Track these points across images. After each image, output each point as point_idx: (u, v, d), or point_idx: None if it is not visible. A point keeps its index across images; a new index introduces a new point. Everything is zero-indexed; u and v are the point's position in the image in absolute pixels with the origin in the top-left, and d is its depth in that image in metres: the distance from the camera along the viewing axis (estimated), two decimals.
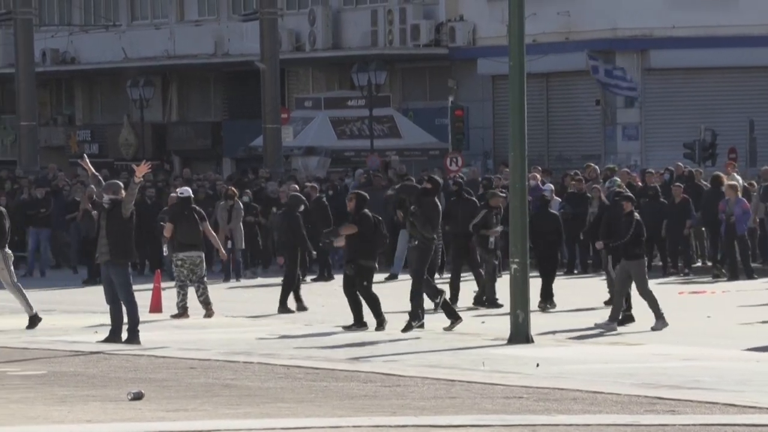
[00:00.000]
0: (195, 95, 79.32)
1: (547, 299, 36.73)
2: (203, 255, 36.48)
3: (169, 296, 36.35)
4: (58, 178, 58.60)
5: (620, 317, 32.03)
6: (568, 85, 65.85)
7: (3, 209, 35.23)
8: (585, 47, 64.85)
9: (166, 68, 78.58)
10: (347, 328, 31.47)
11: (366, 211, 32.69)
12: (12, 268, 33.38)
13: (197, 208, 37.40)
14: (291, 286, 36.95)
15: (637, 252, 32.31)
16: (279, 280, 44.45)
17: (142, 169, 29.19)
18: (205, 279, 35.90)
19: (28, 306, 32.51)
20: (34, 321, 32.28)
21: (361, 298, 31.77)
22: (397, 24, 71.51)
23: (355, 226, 33.32)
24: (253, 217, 49.52)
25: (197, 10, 79.45)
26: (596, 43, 65.08)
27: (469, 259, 38.31)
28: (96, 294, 34.66)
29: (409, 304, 31.02)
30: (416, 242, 31.45)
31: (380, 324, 31.83)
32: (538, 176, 46.68)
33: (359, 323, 31.72)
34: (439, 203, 32.05)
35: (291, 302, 36.65)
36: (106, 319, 29.59)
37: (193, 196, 37.83)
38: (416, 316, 30.36)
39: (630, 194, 35.32)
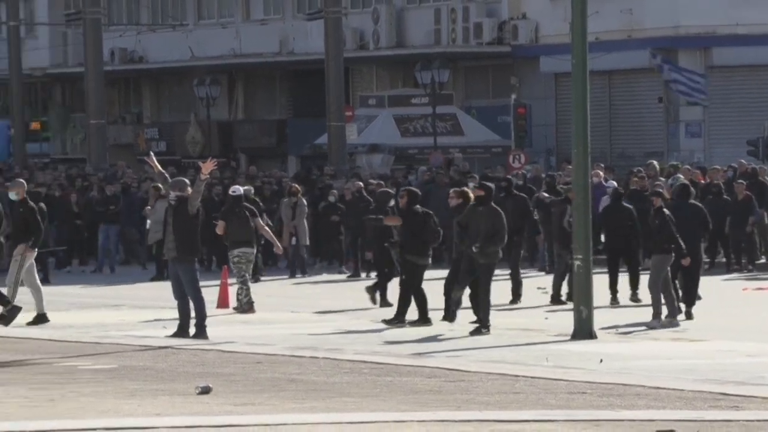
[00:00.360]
0: (260, 93, 79.47)
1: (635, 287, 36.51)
2: (255, 251, 36.62)
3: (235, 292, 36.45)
4: (126, 176, 58.72)
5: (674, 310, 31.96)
6: (630, 83, 65.75)
7: (43, 206, 35.20)
8: (648, 45, 64.73)
9: (232, 67, 78.77)
10: (412, 324, 31.48)
11: (417, 207, 32.69)
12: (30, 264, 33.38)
13: (248, 205, 37.58)
14: (387, 280, 36.52)
15: (665, 247, 32.22)
16: (343, 277, 44.70)
17: (208, 166, 29.21)
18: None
19: (40, 303, 32.60)
20: (41, 319, 32.31)
21: (417, 293, 31.87)
22: (460, 22, 71.50)
23: (399, 218, 33.45)
24: (338, 216, 49.45)
25: (263, 9, 79.60)
26: (659, 41, 64.92)
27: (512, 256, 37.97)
28: (164, 290, 34.73)
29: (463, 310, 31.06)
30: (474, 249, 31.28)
31: (423, 322, 31.87)
32: (601, 173, 46.48)
33: (424, 319, 31.72)
34: (499, 209, 31.77)
35: (360, 298, 36.64)
36: (174, 314, 29.70)
37: (243, 194, 37.88)
38: (486, 324, 30.15)
39: (660, 190, 35.18)
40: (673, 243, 32.04)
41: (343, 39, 68.56)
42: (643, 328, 30.42)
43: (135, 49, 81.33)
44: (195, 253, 29.49)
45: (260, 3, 79.61)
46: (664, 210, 32.78)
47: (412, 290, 31.92)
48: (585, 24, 29.08)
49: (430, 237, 32.55)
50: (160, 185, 46.48)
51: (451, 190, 34.90)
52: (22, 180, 37.47)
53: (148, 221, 47.59)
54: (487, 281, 30.48)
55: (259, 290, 41.53)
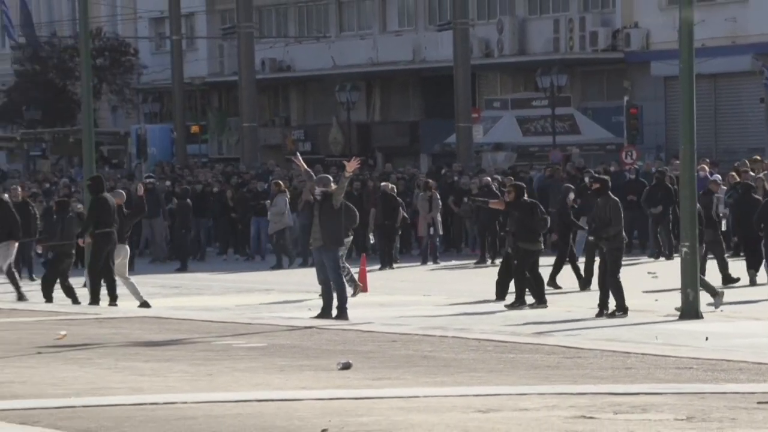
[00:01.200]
0: (395, 98, 79.54)
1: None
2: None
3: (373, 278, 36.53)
4: (275, 173, 58.92)
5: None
6: (734, 85, 65.30)
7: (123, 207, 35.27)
8: (750, 51, 64.28)
9: (370, 74, 78.88)
10: (531, 306, 31.43)
11: (524, 198, 32.67)
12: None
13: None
14: (562, 264, 36.45)
15: None
16: (469, 262, 44.56)
17: (352, 165, 29.44)
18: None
19: (138, 295, 32.68)
20: (144, 305, 32.29)
21: (533, 276, 31.88)
22: (577, 31, 71.31)
23: (503, 202, 33.56)
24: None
25: (397, 21, 79.69)
26: (761, 47, 64.46)
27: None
28: (308, 276, 34.86)
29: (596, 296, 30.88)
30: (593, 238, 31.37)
31: (540, 304, 31.73)
32: (707, 168, 46.30)
33: (540, 301, 31.68)
34: (617, 199, 31.52)
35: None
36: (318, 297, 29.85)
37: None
38: (622, 307, 29.83)
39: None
40: None
41: (470, 48, 68.64)
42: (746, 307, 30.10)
43: (283, 58, 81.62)
44: (339, 242, 29.67)
45: (395, 16, 79.74)
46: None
47: (531, 274, 31.89)
48: (692, 32, 28.97)
49: (538, 225, 32.50)
50: (279, 181, 46.93)
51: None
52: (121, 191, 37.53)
53: (269, 213, 47.84)
54: (613, 266, 30.28)
55: (394, 276, 41.70)
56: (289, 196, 47.42)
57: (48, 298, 34.10)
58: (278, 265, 46.86)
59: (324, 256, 29.44)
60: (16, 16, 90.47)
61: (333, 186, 30.16)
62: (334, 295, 29.16)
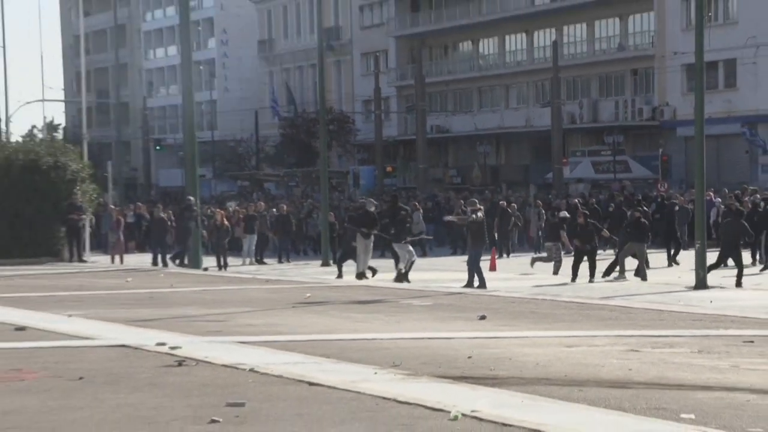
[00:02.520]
0: (514, 149, 79.20)
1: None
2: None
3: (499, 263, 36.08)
4: (420, 198, 58.74)
5: None
6: (729, 142, 64.38)
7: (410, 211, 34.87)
8: (739, 121, 63.73)
9: (498, 135, 78.78)
10: (616, 279, 30.87)
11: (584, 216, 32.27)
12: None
13: None
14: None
15: None
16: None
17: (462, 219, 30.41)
18: None
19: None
20: (400, 277, 31.08)
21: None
22: (629, 107, 71.18)
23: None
24: None
25: (516, 101, 79.69)
26: (746, 118, 63.78)
27: None
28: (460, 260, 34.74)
29: None
30: None
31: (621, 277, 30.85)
32: (712, 194, 45.28)
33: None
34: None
35: None
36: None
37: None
38: None
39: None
40: None
41: (562, 117, 68.28)
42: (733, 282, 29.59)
43: (444, 124, 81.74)
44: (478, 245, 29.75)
45: (515, 97, 80.00)
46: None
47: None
48: (702, 109, 28.66)
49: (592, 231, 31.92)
50: (416, 203, 45.99)
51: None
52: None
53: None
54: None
55: (511, 262, 41.19)
56: (422, 211, 46.12)
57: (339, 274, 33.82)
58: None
59: (471, 251, 29.57)
60: (282, 98, 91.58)
61: (479, 206, 30.33)
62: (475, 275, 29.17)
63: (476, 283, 28.91)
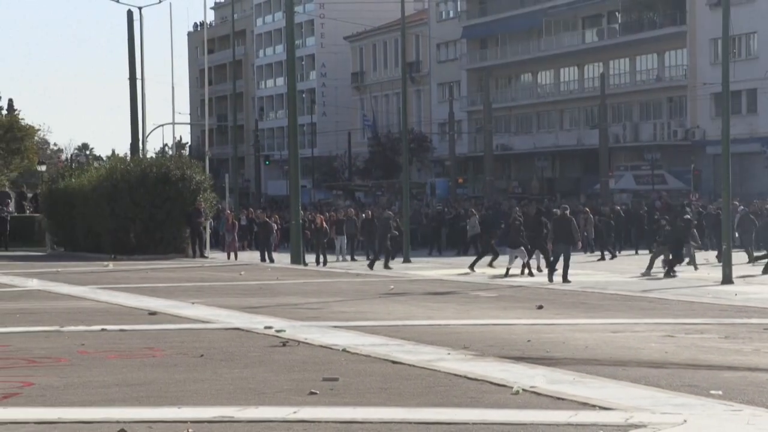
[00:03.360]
0: (567, 164, 78.71)
1: None
2: None
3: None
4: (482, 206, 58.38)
5: None
6: (751, 159, 63.46)
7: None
8: (759, 141, 62.80)
9: (554, 152, 78.29)
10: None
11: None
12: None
13: None
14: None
15: None
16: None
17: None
18: None
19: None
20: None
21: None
22: (666, 129, 70.40)
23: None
24: None
25: (569, 123, 79.15)
26: (765, 139, 62.89)
27: None
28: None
29: None
30: None
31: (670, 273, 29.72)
32: (737, 203, 44.53)
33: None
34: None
35: None
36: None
37: None
38: None
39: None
40: None
41: (608, 137, 67.69)
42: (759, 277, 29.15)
43: (507, 143, 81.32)
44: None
45: (568, 120, 79.35)
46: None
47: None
48: (728, 131, 28.30)
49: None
50: (473, 209, 45.23)
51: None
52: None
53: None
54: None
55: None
56: (478, 216, 45.40)
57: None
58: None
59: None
60: (371, 120, 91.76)
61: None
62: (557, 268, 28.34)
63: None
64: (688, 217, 34.18)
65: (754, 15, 63.36)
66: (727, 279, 27.05)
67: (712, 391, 10.47)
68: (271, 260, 38.93)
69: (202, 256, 40.19)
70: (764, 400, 10.05)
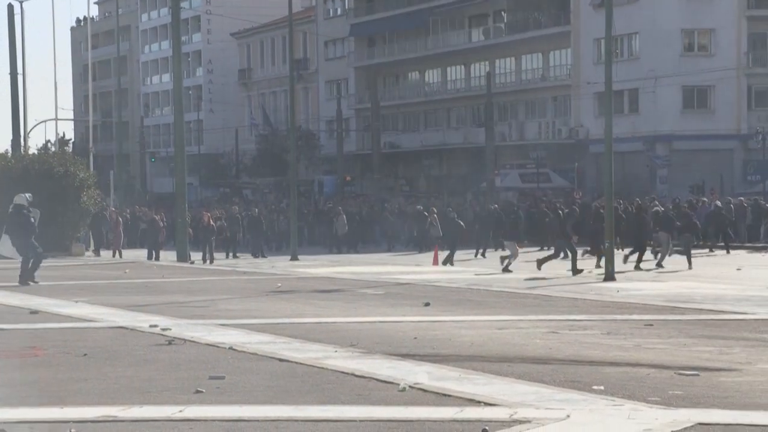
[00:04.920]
0: (454, 162, 79.06)
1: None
2: None
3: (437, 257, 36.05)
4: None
5: None
6: (633, 158, 64.57)
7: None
8: (641, 140, 64.10)
9: (441, 150, 78.69)
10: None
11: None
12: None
13: None
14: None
15: None
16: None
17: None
18: None
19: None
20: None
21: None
22: (551, 128, 71.37)
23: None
24: None
25: (456, 121, 79.75)
26: (647, 138, 64.24)
27: None
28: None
29: None
30: None
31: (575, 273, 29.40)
32: (621, 201, 44.97)
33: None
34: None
35: None
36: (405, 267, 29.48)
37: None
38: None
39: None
40: None
41: (494, 136, 68.32)
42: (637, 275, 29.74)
43: (395, 141, 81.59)
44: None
45: (455, 119, 79.93)
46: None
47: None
48: (611, 130, 28.77)
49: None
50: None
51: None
52: None
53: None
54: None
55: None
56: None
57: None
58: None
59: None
60: (258, 118, 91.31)
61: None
62: None
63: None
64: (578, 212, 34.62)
65: (636, 16, 64.59)
66: (609, 276, 27.46)
67: (595, 387, 10.65)
68: (157, 258, 38.56)
69: (98, 254, 39.94)
70: (644, 395, 10.26)
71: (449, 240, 36.78)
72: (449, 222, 37.96)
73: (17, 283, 24.72)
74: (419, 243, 44.90)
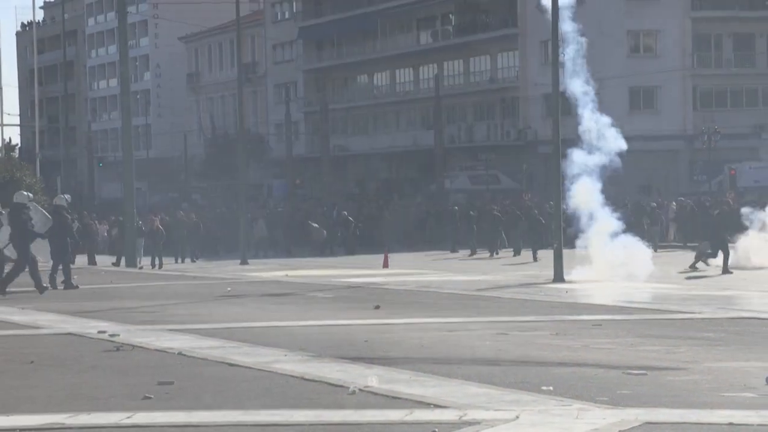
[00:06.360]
0: (406, 165, 79.21)
1: None
2: None
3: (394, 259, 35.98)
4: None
5: None
6: None
7: None
8: None
9: (390, 153, 78.73)
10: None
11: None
12: None
13: None
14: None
15: None
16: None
17: None
18: None
19: None
20: None
21: None
22: (499, 129, 71.56)
23: None
24: None
25: (406, 124, 79.86)
26: None
27: None
28: (360, 261, 34.37)
29: None
30: None
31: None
32: None
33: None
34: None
35: None
36: (370, 271, 29.43)
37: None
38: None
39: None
40: None
41: (444, 138, 68.42)
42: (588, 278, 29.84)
43: (344, 144, 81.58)
44: None
45: (405, 122, 79.89)
46: None
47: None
48: (558, 131, 28.92)
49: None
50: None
51: None
52: None
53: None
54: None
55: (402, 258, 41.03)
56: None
57: None
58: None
59: None
60: (206, 122, 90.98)
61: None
62: None
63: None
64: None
65: (581, 18, 64.92)
66: (558, 277, 27.60)
67: (544, 387, 10.69)
68: (94, 263, 38.55)
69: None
70: (593, 395, 10.31)
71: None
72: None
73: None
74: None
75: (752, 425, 8.90)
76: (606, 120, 30.21)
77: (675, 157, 65.00)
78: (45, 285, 24.27)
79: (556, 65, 28.74)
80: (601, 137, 29.53)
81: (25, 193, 25.41)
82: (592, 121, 29.88)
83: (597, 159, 29.37)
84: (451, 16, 75.33)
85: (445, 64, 75.48)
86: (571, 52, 30.15)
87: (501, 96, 71.98)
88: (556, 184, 28.84)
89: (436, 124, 68.02)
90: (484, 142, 71.07)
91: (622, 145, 29.86)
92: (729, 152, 61.14)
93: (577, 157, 29.38)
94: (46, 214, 25.73)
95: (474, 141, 72.41)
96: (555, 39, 28.73)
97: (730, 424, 8.92)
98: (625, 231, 28.83)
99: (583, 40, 30.85)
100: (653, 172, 62.69)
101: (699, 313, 18.24)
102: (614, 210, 30.02)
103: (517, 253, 40.71)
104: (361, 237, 48.25)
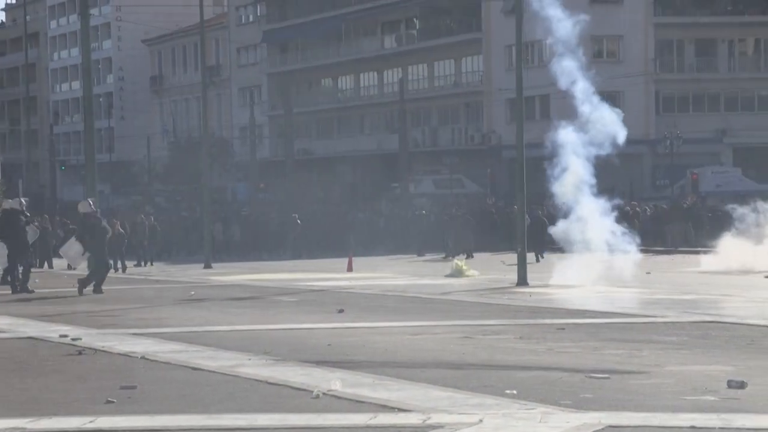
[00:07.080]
0: (369, 168, 78.58)
1: None
2: None
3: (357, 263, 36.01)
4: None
5: None
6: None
7: None
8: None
9: (355, 157, 78.38)
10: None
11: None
12: None
13: None
14: None
15: None
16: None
17: None
18: None
19: None
20: None
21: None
22: (464, 134, 71.77)
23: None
24: None
25: (369, 128, 79.83)
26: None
27: None
28: (332, 264, 34.29)
29: None
30: None
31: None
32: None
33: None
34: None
35: None
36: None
37: None
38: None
39: None
40: None
41: (408, 142, 68.54)
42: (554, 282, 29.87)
43: (309, 147, 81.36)
44: None
45: (368, 126, 79.90)
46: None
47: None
48: (522, 136, 28.99)
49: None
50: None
51: None
52: None
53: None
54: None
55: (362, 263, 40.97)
56: None
57: None
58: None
59: None
60: (170, 125, 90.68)
61: None
62: None
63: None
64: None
65: (543, 22, 65.24)
66: (522, 280, 27.67)
67: (507, 391, 10.72)
68: (50, 266, 38.65)
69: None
70: (556, 398, 10.35)
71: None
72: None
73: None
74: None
75: (714, 428, 8.96)
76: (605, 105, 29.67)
77: (638, 161, 65.35)
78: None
79: (520, 70, 28.82)
80: (599, 119, 28.79)
81: (19, 199, 25.67)
82: (588, 103, 29.23)
83: (591, 138, 28.60)
84: (415, 20, 75.46)
85: (410, 68, 75.60)
86: (563, 30, 29.54)
87: (465, 100, 72.18)
88: (520, 189, 28.91)
89: (401, 128, 68.02)
90: (449, 147, 71.20)
91: (621, 131, 29.05)
92: (691, 157, 61.53)
93: (568, 136, 28.88)
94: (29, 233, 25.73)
95: (438, 145, 72.53)
96: (519, 43, 28.81)
97: (692, 427, 8.97)
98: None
99: (575, 19, 29.99)
100: (616, 176, 62.92)
101: (662, 316, 18.34)
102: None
103: (469, 255, 40.80)
104: (325, 240, 48.18)
